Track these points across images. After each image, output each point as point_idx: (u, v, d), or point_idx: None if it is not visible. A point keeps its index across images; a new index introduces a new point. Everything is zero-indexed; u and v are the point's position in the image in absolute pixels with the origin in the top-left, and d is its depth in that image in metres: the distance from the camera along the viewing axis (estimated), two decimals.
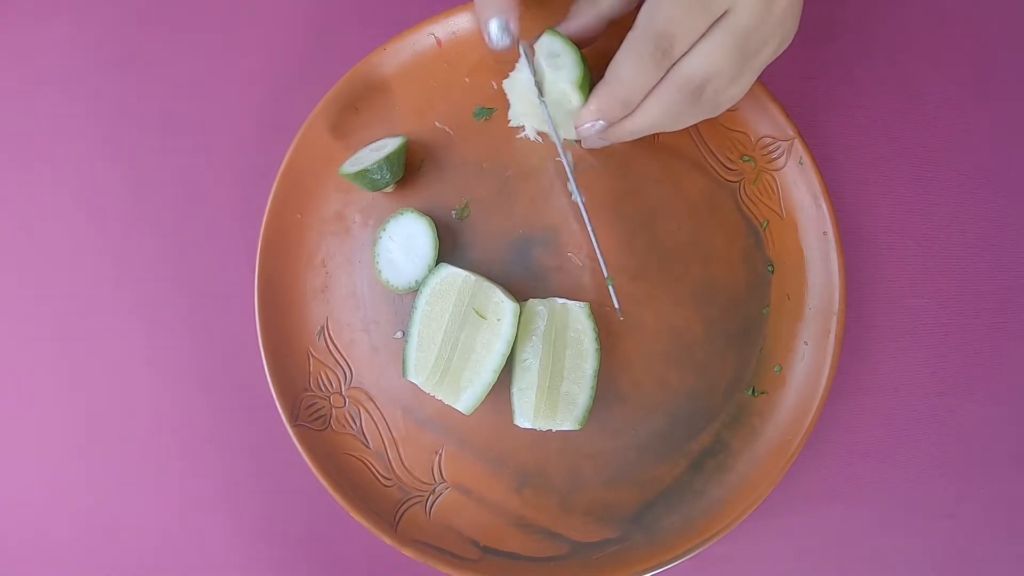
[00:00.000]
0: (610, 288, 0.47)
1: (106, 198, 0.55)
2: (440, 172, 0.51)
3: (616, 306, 0.47)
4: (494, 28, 0.43)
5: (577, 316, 0.47)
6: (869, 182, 0.53)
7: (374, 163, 0.47)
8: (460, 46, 0.51)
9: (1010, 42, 0.53)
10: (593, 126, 0.43)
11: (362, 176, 0.48)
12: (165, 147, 0.56)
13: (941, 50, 0.54)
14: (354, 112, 0.51)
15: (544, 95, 0.45)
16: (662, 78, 0.40)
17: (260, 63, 0.56)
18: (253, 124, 0.55)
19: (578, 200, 0.47)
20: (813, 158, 0.49)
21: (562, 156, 0.47)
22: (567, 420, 0.47)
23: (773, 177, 0.50)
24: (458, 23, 0.51)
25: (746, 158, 0.50)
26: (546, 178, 0.51)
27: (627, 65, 0.40)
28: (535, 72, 0.45)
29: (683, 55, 0.40)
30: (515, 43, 0.44)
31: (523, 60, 0.45)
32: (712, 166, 0.51)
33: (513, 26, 0.43)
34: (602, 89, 0.41)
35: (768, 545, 0.51)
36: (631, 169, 0.50)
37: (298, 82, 0.55)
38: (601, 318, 0.49)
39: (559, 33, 0.45)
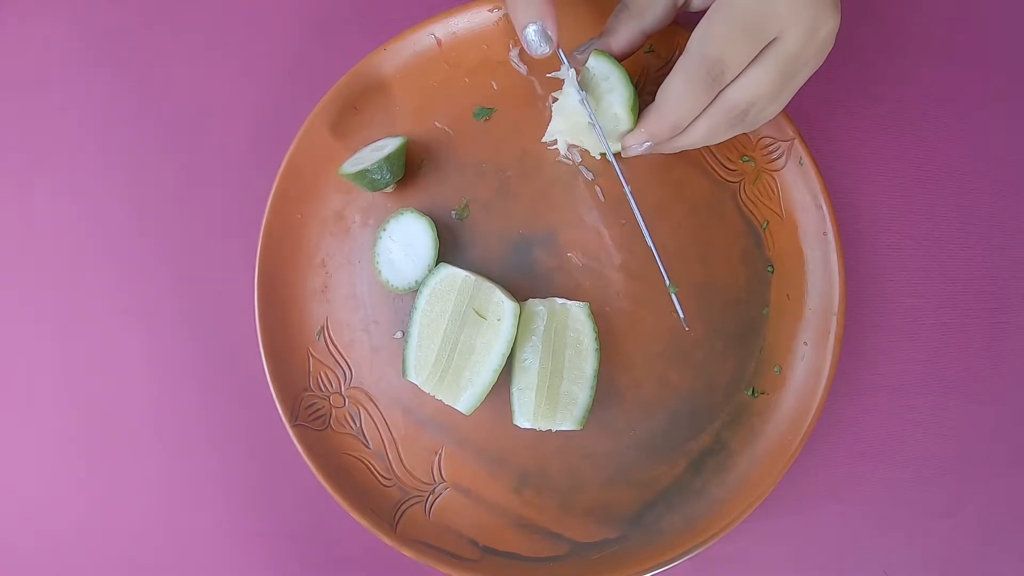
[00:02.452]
0: (673, 297, 0.47)
1: (106, 198, 0.55)
2: (440, 172, 0.51)
3: (681, 315, 0.47)
4: (532, 34, 0.43)
5: (577, 316, 0.47)
6: (869, 182, 0.53)
7: (374, 163, 0.47)
8: (460, 46, 0.51)
9: (1010, 42, 0.53)
10: (640, 147, 0.44)
11: (362, 176, 0.48)
12: (165, 147, 0.56)
13: (941, 50, 0.54)
14: (354, 112, 0.51)
15: (595, 112, 0.45)
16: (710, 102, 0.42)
17: (260, 63, 0.56)
18: (253, 124, 0.55)
19: (638, 219, 0.46)
20: (813, 158, 0.49)
21: (616, 168, 0.47)
22: (567, 420, 0.47)
23: (773, 177, 0.50)
24: (458, 23, 0.51)
25: (746, 158, 0.50)
26: (546, 178, 0.51)
27: (679, 91, 0.41)
28: (582, 85, 0.45)
29: (732, 81, 0.41)
30: (554, 48, 0.44)
31: (570, 79, 0.45)
32: (712, 166, 0.51)
33: (551, 31, 0.43)
34: (653, 114, 0.42)
35: (768, 545, 0.51)
36: (631, 170, 0.50)
37: (298, 82, 0.55)
38: (601, 317, 0.49)
39: (606, 54, 0.45)
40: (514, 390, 0.47)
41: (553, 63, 0.48)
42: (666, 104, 0.41)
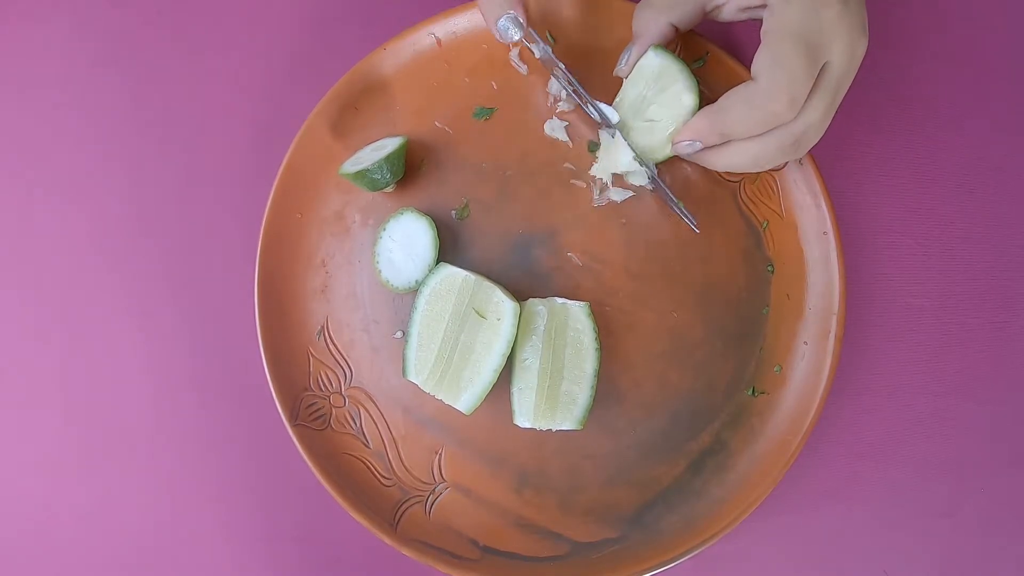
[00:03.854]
0: (679, 209, 0.48)
1: (105, 198, 0.55)
2: (440, 172, 0.51)
3: (691, 221, 0.49)
4: (504, 23, 0.45)
5: (576, 316, 0.47)
6: (869, 182, 0.53)
7: (374, 163, 0.47)
8: (460, 46, 0.51)
9: (1010, 42, 0.53)
10: (690, 145, 0.45)
11: (362, 176, 0.48)
12: (165, 147, 0.56)
13: (941, 50, 0.54)
14: (354, 112, 0.51)
15: (662, 103, 0.46)
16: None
17: (260, 63, 0.56)
18: (253, 124, 0.55)
19: (686, 218, 0.49)
20: (813, 158, 0.49)
21: (659, 185, 0.49)
22: (567, 420, 0.47)
23: (773, 177, 0.50)
24: (458, 23, 0.51)
25: None
26: (546, 178, 0.51)
27: (739, 111, 0.42)
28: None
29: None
30: (525, 33, 0.46)
31: (605, 119, 0.48)
32: None
33: (522, 17, 0.45)
34: (707, 115, 0.44)
35: (768, 545, 0.51)
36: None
37: (298, 82, 0.55)
38: (601, 317, 0.49)
39: (661, 47, 0.46)
40: (514, 390, 0.47)
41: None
42: (724, 113, 0.42)
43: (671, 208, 0.49)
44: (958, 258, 0.52)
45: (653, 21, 0.45)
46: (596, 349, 0.47)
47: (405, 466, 0.50)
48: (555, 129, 0.51)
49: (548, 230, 0.50)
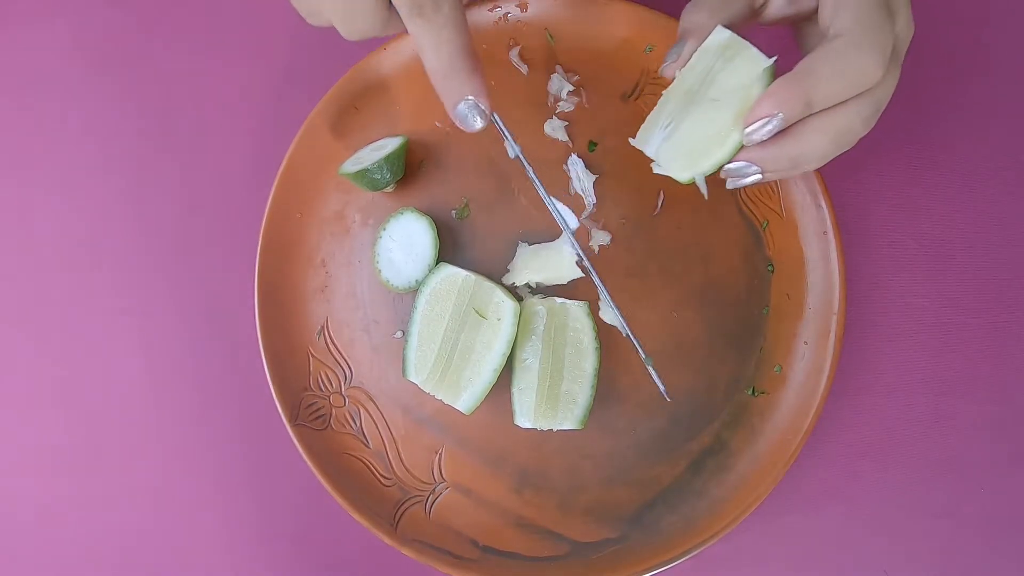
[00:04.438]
0: (650, 369, 0.45)
1: (106, 198, 0.55)
2: (440, 172, 0.51)
3: (661, 388, 0.45)
4: (464, 109, 0.39)
5: (576, 315, 0.47)
6: (869, 182, 0.53)
7: (374, 163, 0.47)
8: None
9: (1011, 42, 0.53)
10: (767, 123, 0.37)
11: (362, 176, 0.48)
12: (165, 147, 0.56)
13: (941, 50, 0.54)
14: (354, 112, 0.51)
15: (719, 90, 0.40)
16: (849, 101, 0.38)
17: (260, 63, 0.56)
18: (253, 124, 0.55)
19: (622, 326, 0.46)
20: None
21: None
22: (568, 419, 0.47)
23: None
24: None
25: None
26: (546, 178, 0.51)
27: (827, 70, 0.36)
28: (514, 138, 0.43)
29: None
30: (487, 119, 0.40)
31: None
32: None
33: (484, 104, 0.39)
34: (789, 80, 0.37)
35: (768, 545, 0.51)
36: (632, 170, 0.50)
37: (298, 82, 0.55)
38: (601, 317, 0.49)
39: (721, 28, 0.40)
40: (514, 390, 0.47)
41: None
42: (809, 77, 0.36)
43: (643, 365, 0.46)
44: (958, 258, 0.52)
45: (707, 18, 0.40)
46: (596, 348, 0.47)
47: (405, 466, 0.50)
48: (555, 129, 0.51)
49: (548, 230, 0.50)
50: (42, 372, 0.54)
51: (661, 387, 0.45)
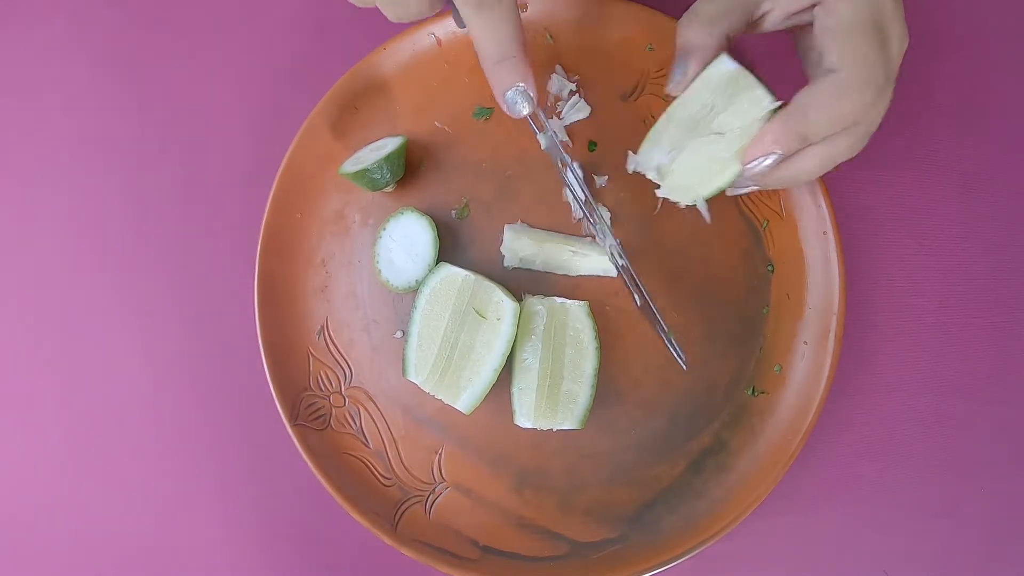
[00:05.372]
0: (670, 343, 0.46)
1: (106, 198, 0.55)
2: (440, 172, 0.51)
3: (680, 359, 0.46)
4: (513, 96, 0.41)
5: (576, 315, 0.47)
6: (869, 182, 0.53)
7: (374, 163, 0.47)
8: (460, 46, 0.51)
9: (1011, 41, 0.53)
10: (765, 160, 0.40)
11: (362, 176, 0.48)
12: (165, 147, 0.56)
13: (942, 50, 0.54)
14: (354, 112, 0.51)
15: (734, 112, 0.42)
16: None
17: (260, 63, 0.56)
18: (253, 124, 0.55)
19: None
20: None
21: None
22: (567, 419, 0.47)
23: None
24: None
25: None
26: (546, 178, 0.51)
27: (824, 108, 0.39)
28: (555, 135, 0.46)
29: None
30: (535, 107, 0.42)
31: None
32: None
33: (532, 91, 0.41)
34: (785, 119, 0.39)
35: (768, 545, 0.51)
36: (631, 175, 0.50)
37: (298, 82, 0.55)
38: (601, 317, 0.49)
39: (726, 55, 0.41)
40: (514, 390, 0.47)
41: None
42: (805, 115, 0.39)
43: (660, 336, 0.47)
44: (958, 258, 0.52)
45: (705, 34, 0.41)
46: (596, 348, 0.47)
47: (405, 466, 0.50)
48: (556, 129, 0.50)
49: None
50: (42, 372, 0.54)
51: (680, 357, 0.46)
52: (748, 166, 0.41)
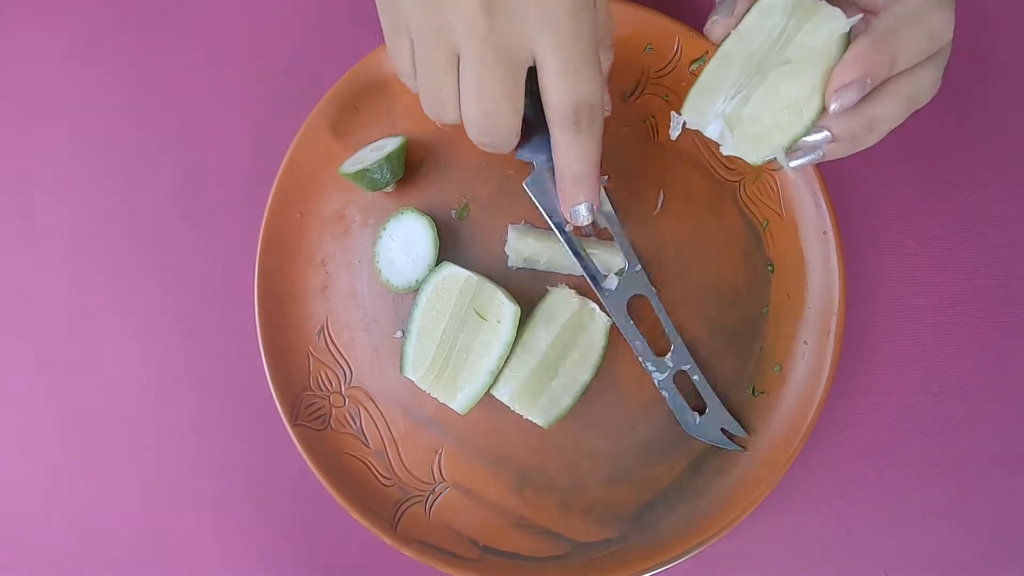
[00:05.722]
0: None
1: (106, 198, 0.55)
2: (440, 172, 0.51)
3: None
4: (583, 210, 0.39)
5: (597, 326, 0.48)
6: (869, 182, 0.53)
7: (374, 163, 0.47)
8: None
9: (1011, 41, 0.53)
10: (857, 85, 0.35)
11: (362, 176, 0.48)
12: (165, 147, 0.56)
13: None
14: (354, 112, 0.51)
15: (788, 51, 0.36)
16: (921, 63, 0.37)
17: (260, 63, 0.56)
18: (253, 123, 0.55)
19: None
20: None
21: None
22: (540, 416, 0.47)
23: (773, 177, 0.50)
24: None
25: None
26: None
27: (908, 27, 0.35)
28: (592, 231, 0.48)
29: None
30: (594, 217, 0.40)
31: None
32: (712, 165, 0.50)
33: (597, 208, 0.40)
34: (871, 40, 0.34)
35: (768, 545, 0.51)
36: (632, 169, 0.50)
37: (298, 82, 0.55)
38: (601, 317, 0.49)
39: None
40: (512, 359, 0.47)
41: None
42: (893, 35, 0.34)
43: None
44: (958, 258, 0.52)
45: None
46: (596, 366, 0.48)
47: (405, 466, 0.50)
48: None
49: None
50: (42, 372, 0.54)
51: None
52: (836, 96, 0.35)
